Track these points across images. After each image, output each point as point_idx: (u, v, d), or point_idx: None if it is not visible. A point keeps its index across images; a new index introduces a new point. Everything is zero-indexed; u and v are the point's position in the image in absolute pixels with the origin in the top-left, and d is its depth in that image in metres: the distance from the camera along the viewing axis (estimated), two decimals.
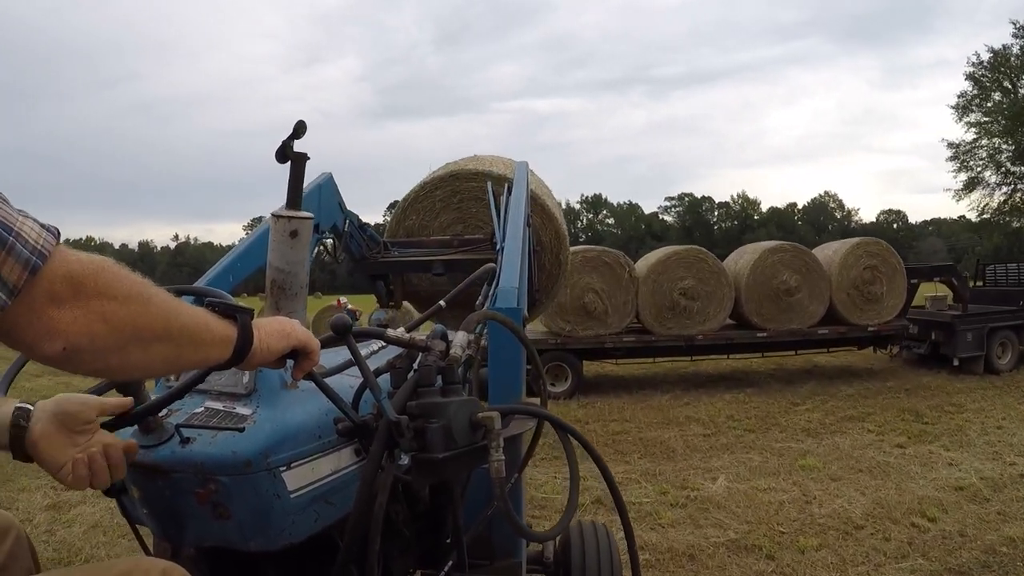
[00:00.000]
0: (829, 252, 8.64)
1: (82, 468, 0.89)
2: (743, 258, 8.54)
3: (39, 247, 0.57)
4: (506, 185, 2.80)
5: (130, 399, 1.01)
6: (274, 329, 0.89)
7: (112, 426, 1.00)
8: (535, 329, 8.33)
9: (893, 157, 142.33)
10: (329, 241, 2.34)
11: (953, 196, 30.71)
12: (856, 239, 8.67)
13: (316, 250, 2.16)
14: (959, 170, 29.38)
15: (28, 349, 0.60)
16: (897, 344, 8.82)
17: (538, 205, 3.78)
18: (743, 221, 75.68)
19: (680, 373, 9.25)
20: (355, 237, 2.52)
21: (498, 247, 2.08)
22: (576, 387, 7.60)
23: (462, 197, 4.00)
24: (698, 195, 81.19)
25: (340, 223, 2.38)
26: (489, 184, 3.05)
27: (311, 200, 1.91)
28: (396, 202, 4.13)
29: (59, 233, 0.61)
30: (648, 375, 9.01)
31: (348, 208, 2.42)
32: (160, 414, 1.05)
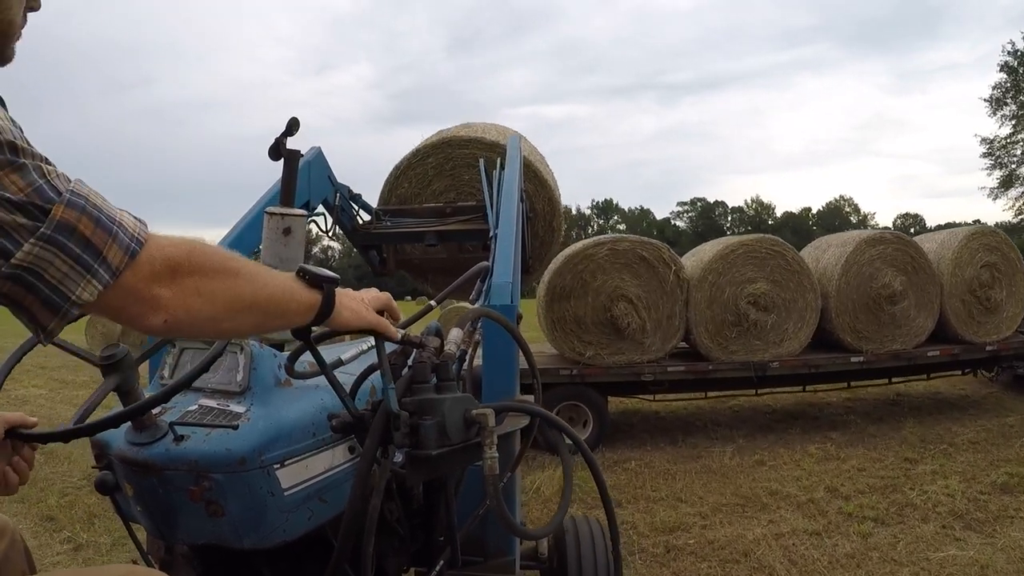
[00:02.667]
0: (934, 246, 9.06)
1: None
2: (828, 252, 8.91)
3: (136, 235, 0.97)
4: (498, 159, 3.55)
5: (34, 419, 1.56)
6: (352, 308, 1.40)
7: (107, 426, 1.53)
8: (544, 351, 8.80)
9: (903, 162, 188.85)
10: (321, 218, 3.12)
11: (988, 195, 39.47)
12: (970, 228, 9.16)
13: (309, 223, 2.84)
14: (993, 167, 38.63)
15: (132, 322, 1.00)
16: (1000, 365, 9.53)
17: (531, 172, 4.90)
18: (757, 226, 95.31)
19: (732, 407, 9.73)
20: (347, 209, 3.35)
21: (491, 234, 2.72)
22: (599, 436, 7.72)
23: (455, 164, 5.24)
24: (711, 200, 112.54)
25: (331, 197, 3.19)
26: (481, 162, 3.90)
27: (301, 176, 2.56)
28: None
29: (147, 224, 1.01)
30: (691, 411, 9.50)
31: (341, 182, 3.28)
32: (154, 412, 1.59)
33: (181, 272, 1.01)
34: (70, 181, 0.93)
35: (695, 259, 8.78)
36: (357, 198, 3.55)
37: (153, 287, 0.98)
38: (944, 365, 9.02)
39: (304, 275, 1.27)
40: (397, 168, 5.52)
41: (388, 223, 3.79)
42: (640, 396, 8.71)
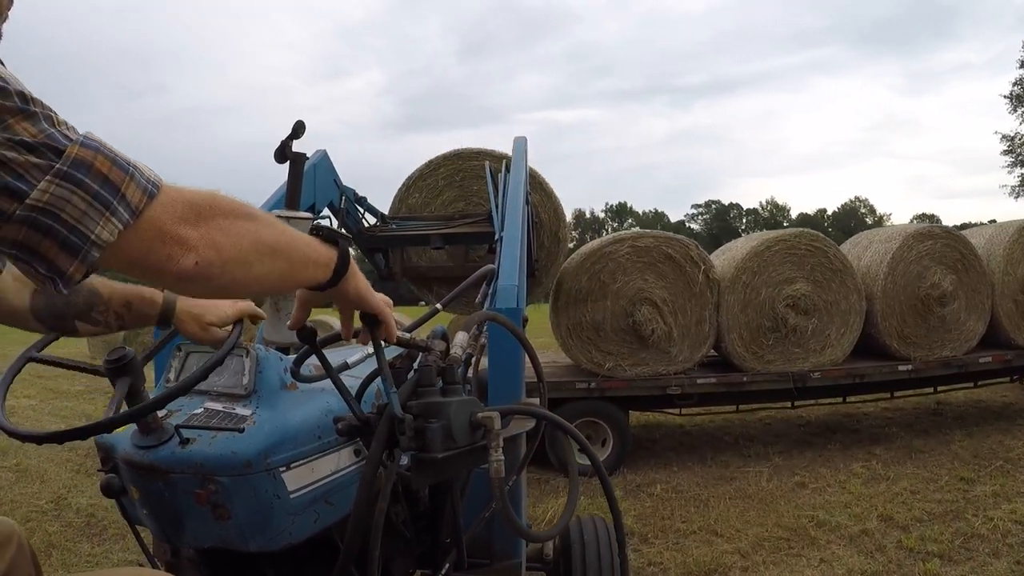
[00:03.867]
0: (981, 241, 9.14)
1: None
2: (871, 249, 8.96)
3: (152, 179, 1.04)
4: (504, 162, 3.93)
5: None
6: (362, 276, 1.58)
7: (112, 427, 1.74)
8: (556, 361, 8.95)
9: (917, 163, 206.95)
10: (326, 221, 3.40)
11: (1010, 193, 45.28)
12: (1020, 221, 9.20)
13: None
14: (1014, 164, 43.97)
15: (161, 267, 1.05)
16: None
17: (537, 183, 5.71)
18: (772, 228, 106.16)
19: (761, 419, 9.91)
20: (352, 212, 3.79)
21: (496, 236, 2.99)
22: (620, 456, 7.78)
23: (464, 175, 6.17)
24: (725, 202, 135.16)
25: (336, 199, 3.58)
26: (487, 165, 4.34)
27: (307, 179, 2.86)
28: None
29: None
30: (718, 424, 9.70)
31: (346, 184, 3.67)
32: (159, 414, 1.79)
33: (204, 213, 1.10)
34: (79, 132, 1.00)
35: (726, 257, 8.71)
36: (363, 201, 3.97)
37: (178, 226, 1.06)
38: (995, 372, 9.13)
39: (318, 231, 1.44)
40: (408, 179, 6.38)
41: (394, 227, 4.20)
42: (665, 410, 8.78)
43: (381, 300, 1.65)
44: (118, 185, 0.98)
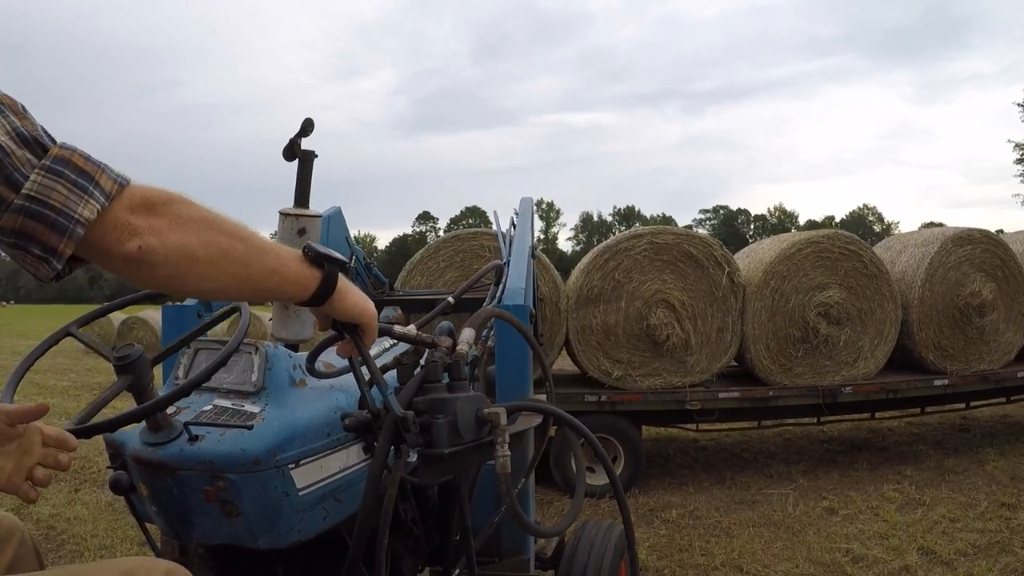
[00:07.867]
0: (1019, 247, 9.24)
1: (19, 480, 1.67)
2: (906, 253, 9.02)
3: (121, 174, 1.30)
4: (511, 217, 4.62)
5: (43, 406, 1.76)
6: (357, 293, 1.72)
7: (121, 424, 1.94)
8: (564, 368, 9.08)
9: (928, 172, 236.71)
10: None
11: (1023, 203, 45.84)
12: None
13: None
14: None
15: (110, 252, 1.28)
16: None
17: (535, 257, 6.53)
18: (779, 235, 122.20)
19: (779, 433, 10.04)
20: (360, 274, 4.12)
21: (504, 260, 3.39)
22: (633, 476, 7.79)
23: (464, 256, 7.50)
24: (733, 208, 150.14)
25: (347, 256, 3.80)
26: (495, 211, 5.06)
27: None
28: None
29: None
30: (736, 439, 9.87)
31: (357, 242, 4.07)
32: (168, 411, 2.00)
33: (157, 207, 1.34)
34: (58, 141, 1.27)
35: (752, 260, 8.74)
36: (370, 267, 4.39)
37: (130, 215, 1.30)
38: None
39: (307, 252, 1.58)
40: (411, 263, 7.63)
41: (400, 293, 4.82)
42: (680, 425, 8.78)
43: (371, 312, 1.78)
44: (92, 175, 1.26)
